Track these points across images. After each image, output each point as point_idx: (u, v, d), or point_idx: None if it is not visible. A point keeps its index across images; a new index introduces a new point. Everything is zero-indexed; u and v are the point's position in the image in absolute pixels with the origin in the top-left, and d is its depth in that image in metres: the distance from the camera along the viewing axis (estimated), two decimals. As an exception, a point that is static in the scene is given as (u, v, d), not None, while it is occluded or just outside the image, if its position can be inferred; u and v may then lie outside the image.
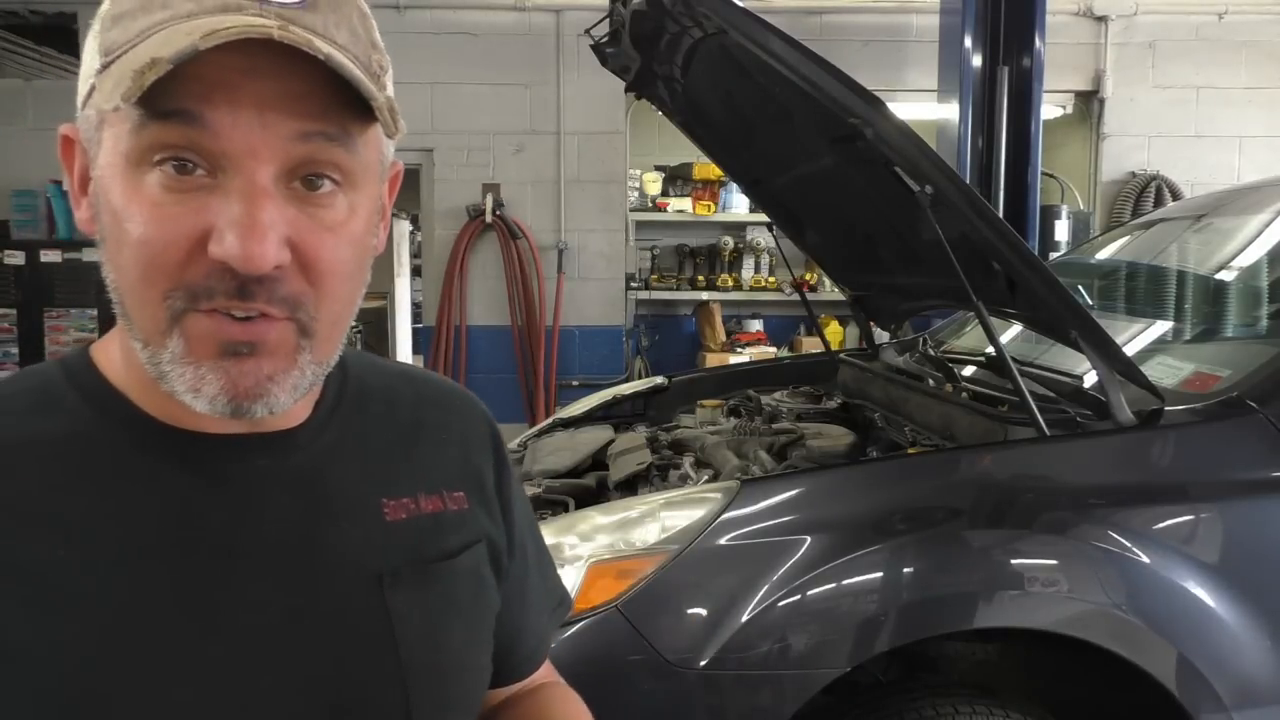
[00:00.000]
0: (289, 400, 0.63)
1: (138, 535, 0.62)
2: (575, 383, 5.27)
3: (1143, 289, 2.65)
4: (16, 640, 0.58)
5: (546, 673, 0.92)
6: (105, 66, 0.57)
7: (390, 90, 0.64)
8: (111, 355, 0.68)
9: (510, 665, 0.85)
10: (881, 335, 3.01)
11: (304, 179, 0.60)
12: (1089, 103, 5.39)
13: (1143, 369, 1.78)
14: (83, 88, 0.60)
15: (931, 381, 2.36)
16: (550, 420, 2.99)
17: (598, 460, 2.40)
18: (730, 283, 5.79)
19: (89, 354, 0.69)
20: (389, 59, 0.65)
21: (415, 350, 9.04)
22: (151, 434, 0.65)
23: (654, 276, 5.87)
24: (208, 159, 0.57)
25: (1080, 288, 2.65)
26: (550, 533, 1.74)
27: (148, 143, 0.57)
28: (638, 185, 5.67)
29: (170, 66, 0.53)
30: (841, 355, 3.01)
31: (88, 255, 4.77)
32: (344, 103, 0.59)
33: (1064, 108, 5.45)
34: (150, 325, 0.60)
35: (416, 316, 9.17)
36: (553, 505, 2.08)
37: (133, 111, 0.56)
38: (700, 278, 5.89)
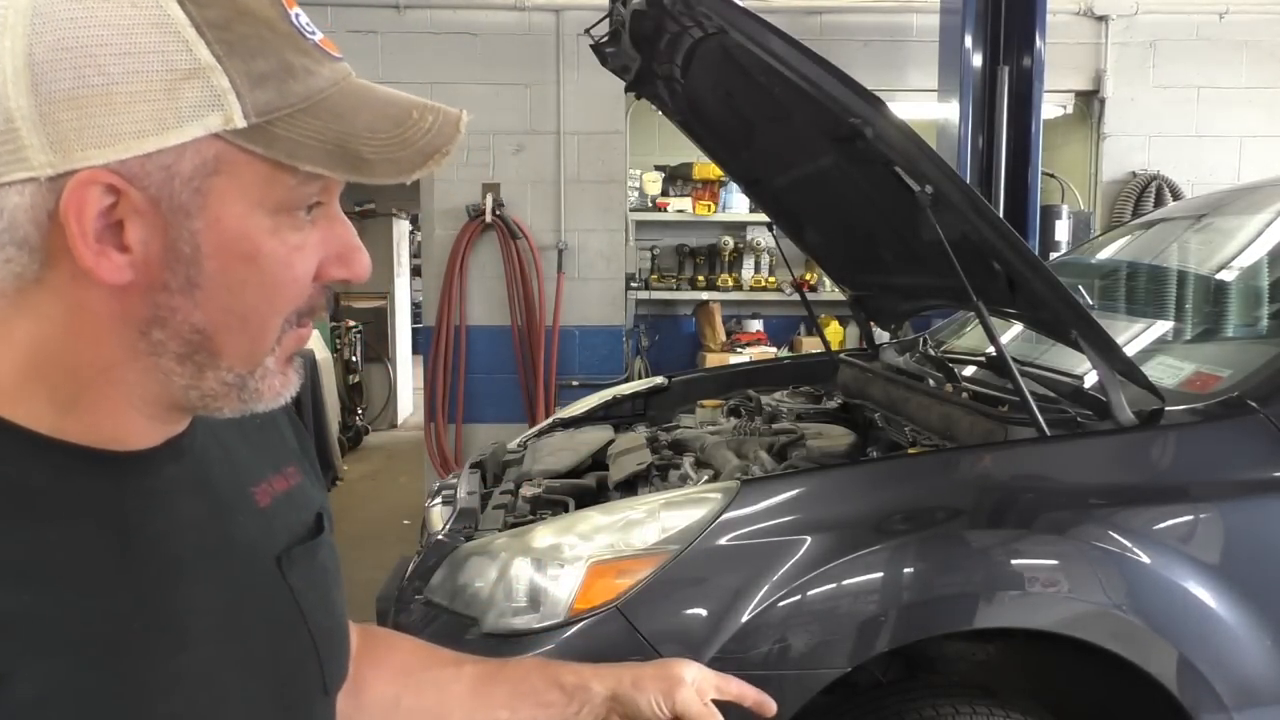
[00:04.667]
0: None
1: (94, 562, 0.62)
2: (575, 383, 5.27)
3: (1143, 289, 2.65)
4: (32, 694, 0.57)
5: None
6: (261, 124, 0.59)
7: None
8: None
9: None
10: (881, 335, 3.01)
11: None
12: (1089, 103, 5.39)
13: (1143, 369, 1.78)
14: (146, 137, 0.57)
15: (932, 381, 2.36)
16: (550, 420, 2.99)
17: (598, 460, 2.40)
18: (730, 283, 5.79)
19: None
20: None
21: (415, 350, 9.05)
22: (69, 457, 0.63)
23: (654, 276, 5.86)
24: (321, 198, 0.64)
25: (1080, 288, 2.65)
26: (550, 533, 1.74)
27: (304, 193, 0.62)
28: (638, 185, 5.67)
29: (449, 154, 0.63)
30: (841, 355, 3.01)
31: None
32: None
33: (1064, 108, 5.44)
34: (259, 351, 0.65)
35: (416, 316, 9.18)
36: (553, 505, 2.08)
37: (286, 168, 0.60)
38: (700, 278, 5.88)
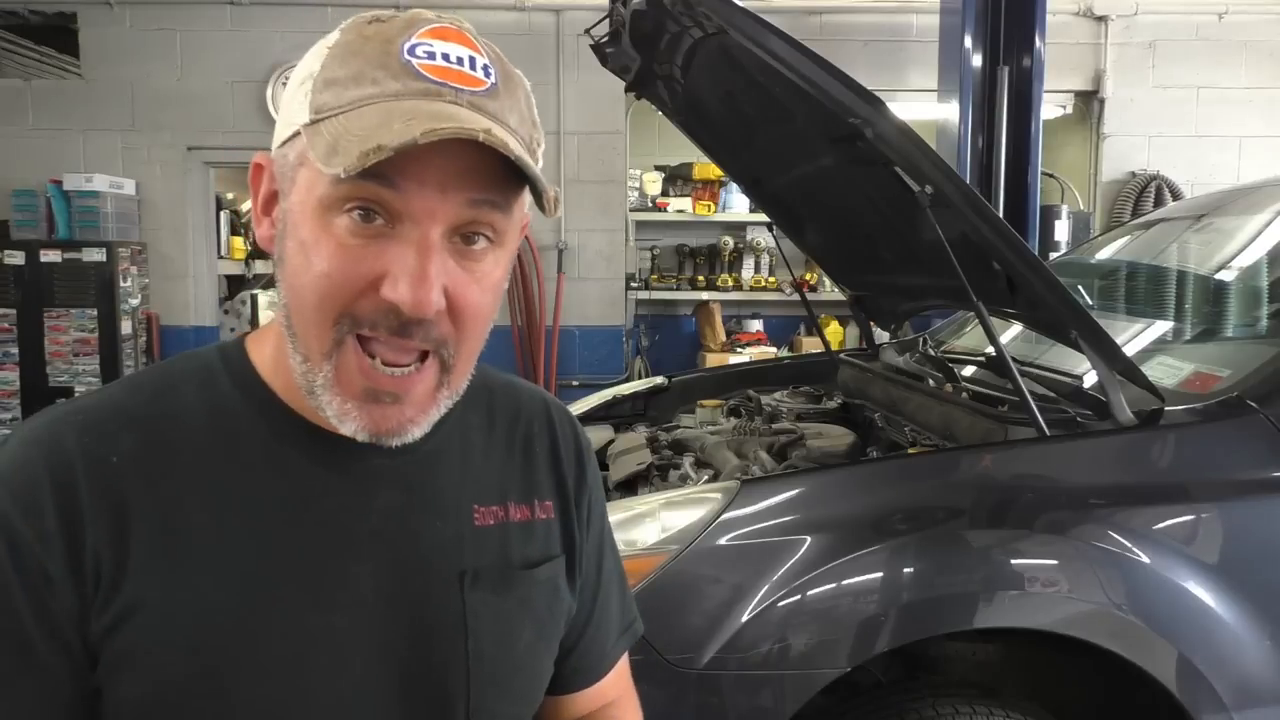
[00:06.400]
0: (423, 432, 0.73)
1: (269, 513, 0.72)
2: (575, 383, 5.27)
3: (1143, 289, 2.65)
4: (157, 588, 0.68)
5: (614, 687, 0.94)
6: (314, 122, 0.66)
7: (541, 162, 0.74)
8: (264, 351, 0.76)
9: (562, 675, 0.89)
10: (881, 335, 3.01)
11: (464, 235, 0.69)
12: (1089, 103, 5.39)
13: (1143, 369, 1.78)
14: (283, 130, 0.70)
15: (931, 381, 2.36)
16: (550, 420, 2.98)
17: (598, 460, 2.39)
18: (730, 283, 5.78)
19: (244, 345, 0.78)
20: (543, 134, 0.76)
21: (415, 350, 9.05)
22: (289, 425, 0.74)
23: (654, 276, 5.86)
24: (390, 213, 0.66)
25: (1080, 288, 2.65)
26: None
27: (344, 194, 0.65)
28: (638, 185, 5.67)
29: (391, 153, 0.61)
30: (841, 355, 3.01)
31: (87, 255, 4.77)
32: (508, 176, 0.69)
33: (1064, 108, 5.44)
34: (314, 345, 0.69)
35: (416, 316, 9.18)
36: (553, 505, 2.08)
37: None
38: (700, 278, 5.89)
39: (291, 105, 0.69)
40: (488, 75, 0.70)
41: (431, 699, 0.76)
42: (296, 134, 0.68)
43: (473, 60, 0.69)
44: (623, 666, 0.96)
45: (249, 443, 0.73)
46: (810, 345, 5.54)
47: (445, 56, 0.68)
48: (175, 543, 0.69)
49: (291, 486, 0.73)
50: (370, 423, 0.69)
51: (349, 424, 0.70)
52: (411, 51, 0.67)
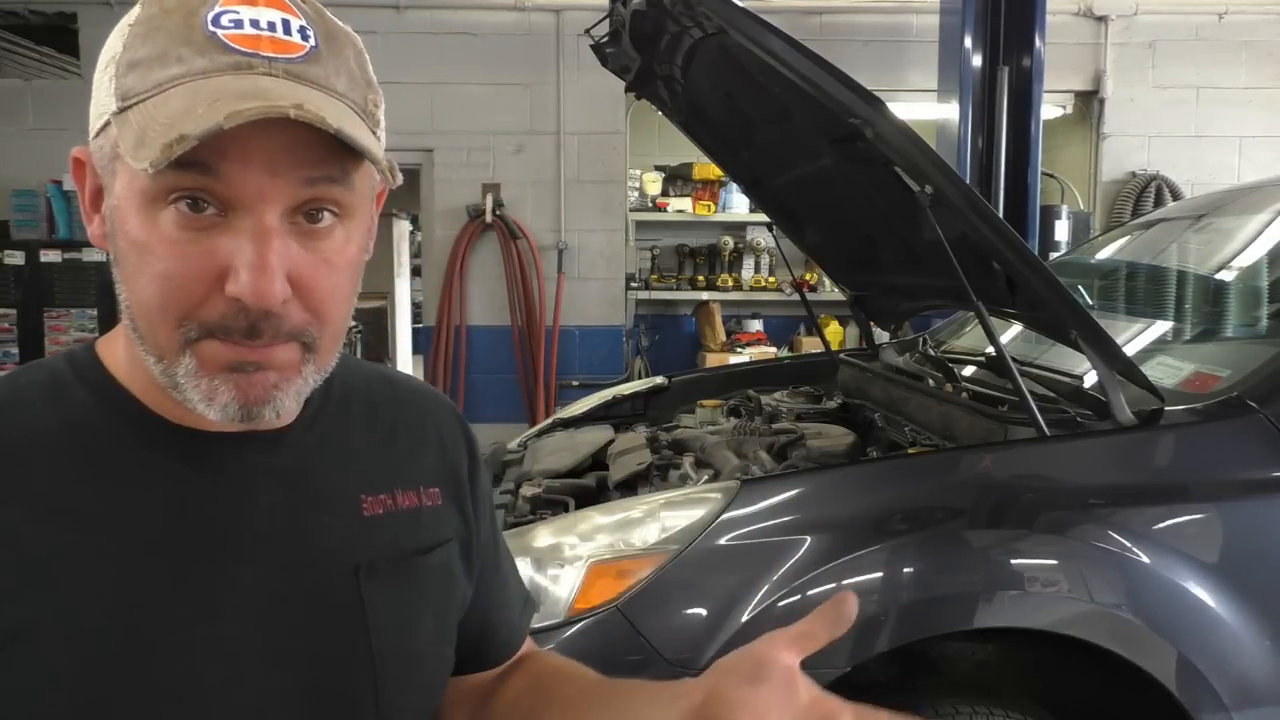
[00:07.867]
0: (295, 405, 0.68)
1: (142, 525, 0.67)
2: (575, 383, 5.27)
3: (1143, 289, 2.65)
4: (28, 620, 0.63)
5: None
6: (122, 110, 0.62)
7: (383, 124, 0.69)
8: (117, 353, 0.72)
9: (484, 655, 0.91)
10: (881, 335, 3.01)
11: (306, 213, 0.65)
12: (1089, 103, 5.39)
13: (1143, 369, 1.78)
14: (95, 120, 0.65)
15: (931, 381, 2.36)
16: (550, 420, 2.99)
17: (598, 460, 2.40)
18: (730, 283, 5.79)
19: (95, 350, 0.73)
20: (381, 93, 0.69)
21: (415, 350, 9.05)
22: (156, 429, 0.70)
23: (654, 276, 5.87)
24: (220, 200, 0.62)
25: (1080, 288, 2.65)
26: (550, 533, 1.74)
27: (164, 186, 0.61)
28: (638, 185, 5.67)
29: (196, 142, 0.57)
30: (841, 355, 3.01)
31: (87, 255, 4.78)
32: (344, 147, 0.63)
33: (1064, 108, 5.45)
34: (165, 346, 0.64)
35: (416, 316, 9.18)
36: (553, 505, 2.08)
37: None
38: (700, 278, 5.89)
39: (100, 92, 0.64)
40: (305, 38, 0.64)
41: (338, 701, 0.73)
42: (108, 124, 0.63)
43: (286, 24, 0.63)
44: (529, 638, 0.98)
45: (113, 452, 0.68)
46: (810, 345, 5.54)
47: (254, 23, 0.62)
48: (44, 569, 0.64)
49: (165, 494, 0.68)
50: (239, 392, 0.64)
51: (218, 401, 0.64)
52: (216, 22, 0.61)
